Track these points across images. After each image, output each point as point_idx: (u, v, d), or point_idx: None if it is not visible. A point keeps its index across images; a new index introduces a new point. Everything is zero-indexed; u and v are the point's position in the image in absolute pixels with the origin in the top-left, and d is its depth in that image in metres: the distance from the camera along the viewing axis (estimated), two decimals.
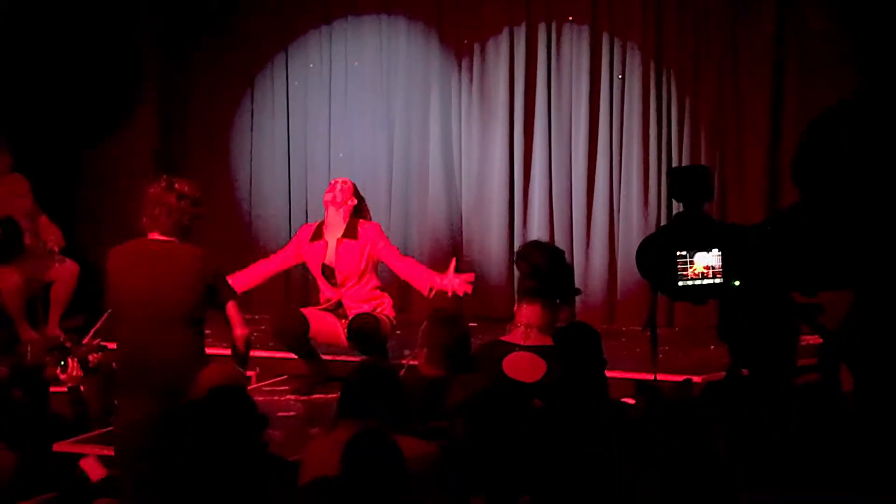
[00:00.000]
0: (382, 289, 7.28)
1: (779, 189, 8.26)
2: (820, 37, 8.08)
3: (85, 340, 5.76)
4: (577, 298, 8.48)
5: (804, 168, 3.89)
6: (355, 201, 7.16)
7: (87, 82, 9.06)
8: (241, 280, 7.18)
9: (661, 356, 7.44)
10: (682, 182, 4.26)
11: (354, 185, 7.22)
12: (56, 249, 8.19)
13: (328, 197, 7.14)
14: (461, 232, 8.94)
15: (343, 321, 7.12)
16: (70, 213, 8.71)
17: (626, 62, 8.56)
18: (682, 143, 8.48)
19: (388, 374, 4.46)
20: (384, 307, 7.17)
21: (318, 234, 7.21)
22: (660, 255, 4.05)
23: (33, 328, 8.04)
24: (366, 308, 7.09)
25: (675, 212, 8.23)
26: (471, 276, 7.08)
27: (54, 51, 8.90)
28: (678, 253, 4.04)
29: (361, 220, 7.17)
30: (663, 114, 8.52)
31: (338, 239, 7.12)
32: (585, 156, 8.65)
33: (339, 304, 7.17)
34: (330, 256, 7.14)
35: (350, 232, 7.12)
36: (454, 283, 6.98)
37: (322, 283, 7.23)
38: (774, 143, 8.31)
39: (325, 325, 7.13)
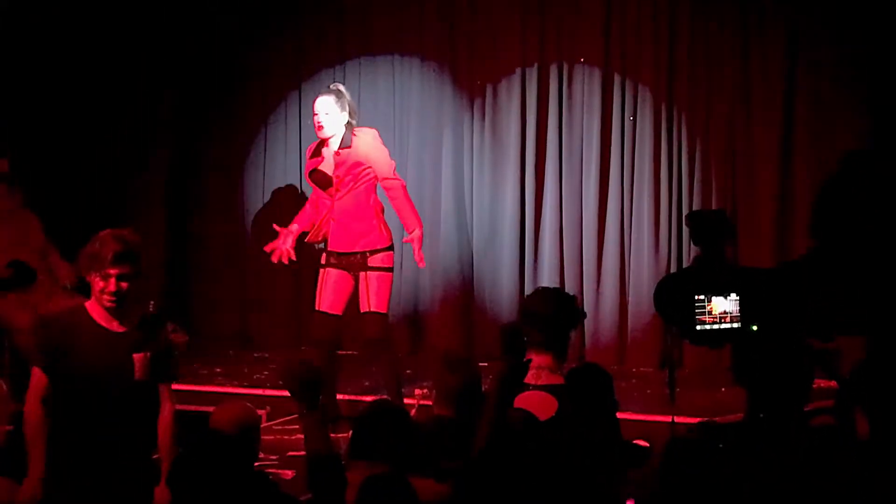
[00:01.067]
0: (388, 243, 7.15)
1: (790, 231, 8.27)
2: (831, 79, 8.13)
3: None
4: (587, 330, 8.51)
5: (821, 218, 3.92)
6: (346, 117, 7.06)
7: (101, 120, 9.12)
8: (302, 221, 7.29)
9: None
10: (700, 226, 4.27)
11: (337, 95, 7.06)
12: (68, 286, 8.21)
13: (321, 135, 7.07)
14: (472, 272, 8.95)
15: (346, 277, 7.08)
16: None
17: (638, 103, 8.60)
18: (692, 184, 8.50)
19: (400, 414, 4.47)
20: (380, 258, 7.05)
21: (317, 151, 7.16)
22: (678, 298, 4.06)
23: None
24: (354, 229, 7.00)
25: (685, 253, 8.39)
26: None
27: (70, 92, 8.97)
28: (696, 297, 4.04)
29: (356, 129, 7.09)
30: (674, 155, 8.54)
31: (335, 152, 7.05)
32: (596, 196, 8.67)
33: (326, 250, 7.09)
34: (325, 165, 7.07)
35: (345, 142, 7.05)
36: (417, 255, 7.07)
37: (315, 192, 7.17)
38: (786, 186, 8.32)
39: (336, 290, 7.11)
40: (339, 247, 7.07)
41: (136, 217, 9.26)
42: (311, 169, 7.14)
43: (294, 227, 7.28)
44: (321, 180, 7.09)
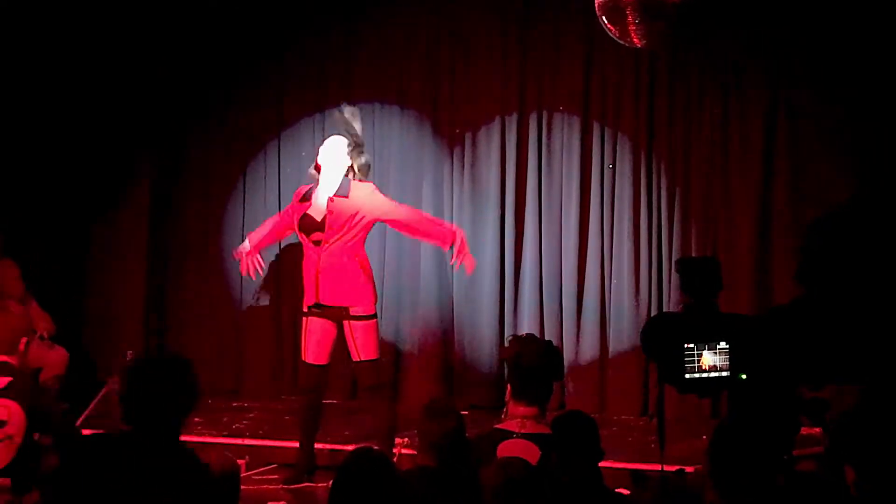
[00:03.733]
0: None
1: (769, 277, 8.30)
2: (810, 126, 8.20)
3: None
4: (567, 377, 8.51)
5: (810, 265, 3.92)
6: (349, 161, 7.05)
7: (80, 169, 9.10)
8: (255, 240, 7.36)
9: (653, 446, 7.47)
10: (690, 274, 4.29)
11: (349, 143, 7.09)
12: (46, 336, 8.17)
13: (319, 160, 7.07)
14: (452, 319, 8.93)
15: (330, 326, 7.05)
16: (61, 300, 8.71)
17: (617, 151, 8.63)
18: (672, 232, 8.52)
19: (382, 463, 4.43)
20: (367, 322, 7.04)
21: (307, 196, 7.12)
22: (667, 346, 4.06)
23: None
24: (341, 284, 6.95)
25: (665, 300, 8.40)
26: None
27: (46, 136, 8.96)
28: (686, 345, 4.05)
29: (353, 181, 7.07)
30: (653, 202, 8.57)
31: (329, 198, 7.00)
32: (576, 244, 8.68)
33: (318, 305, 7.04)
34: (314, 210, 7.02)
35: (342, 190, 7.02)
36: (466, 260, 7.11)
37: (304, 241, 7.09)
38: (764, 233, 8.35)
39: (320, 340, 7.07)
40: (324, 299, 7.02)
41: (115, 269, 9.26)
42: (300, 214, 7.10)
43: (246, 244, 7.37)
44: (309, 225, 7.06)
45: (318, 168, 7.10)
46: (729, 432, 3.92)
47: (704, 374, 4.09)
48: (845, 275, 3.78)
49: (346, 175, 7.08)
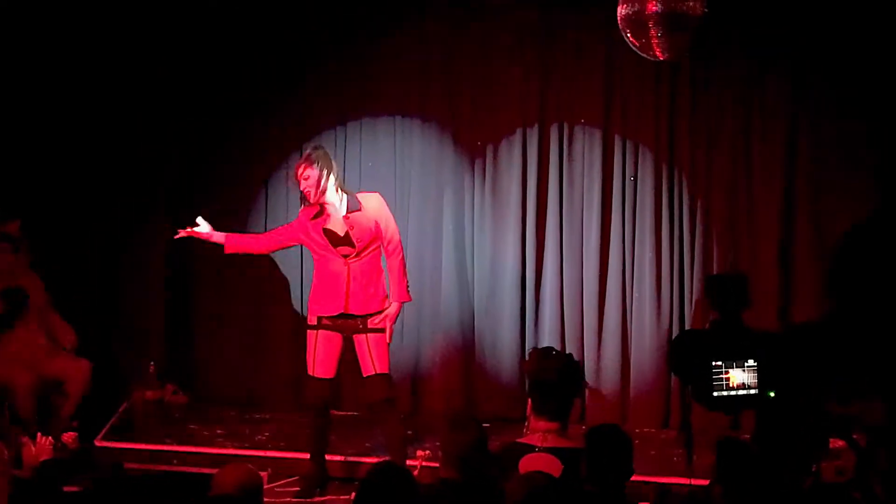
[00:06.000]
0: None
1: (791, 292, 8.27)
2: (833, 142, 8.18)
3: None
4: (588, 389, 8.51)
5: (838, 281, 3.92)
6: (332, 175, 6.98)
7: (103, 183, 9.13)
8: (237, 241, 7.39)
9: (675, 459, 7.45)
10: (718, 290, 4.29)
11: (317, 156, 7.01)
12: (69, 347, 8.20)
13: (313, 201, 7.01)
14: (473, 331, 8.92)
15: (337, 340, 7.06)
16: (88, 312, 8.75)
17: (638, 163, 8.62)
18: (693, 245, 8.50)
19: (405, 476, 4.45)
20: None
21: (320, 212, 7.08)
22: (695, 361, 4.05)
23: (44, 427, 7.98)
24: (368, 292, 6.98)
25: (687, 312, 8.38)
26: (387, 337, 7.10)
27: (72, 150, 9.00)
28: (714, 363, 4.05)
29: (359, 193, 7.10)
30: (675, 215, 8.55)
31: (343, 216, 7.01)
32: (597, 256, 8.67)
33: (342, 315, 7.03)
34: (333, 225, 7.01)
35: (352, 205, 7.03)
36: (388, 329, 7.07)
37: (329, 254, 7.06)
38: (786, 247, 8.33)
39: (328, 354, 7.07)
40: (353, 309, 7.03)
41: (138, 281, 9.28)
42: (322, 227, 7.06)
43: (221, 235, 7.35)
44: (334, 239, 7.04)
45: (307, 197, 7.05)
46: (733, 448, 3.92)
47: (732, 392, 4.08)
48: (874, 290, 3.77)
49: (338, 186, 7.06)
